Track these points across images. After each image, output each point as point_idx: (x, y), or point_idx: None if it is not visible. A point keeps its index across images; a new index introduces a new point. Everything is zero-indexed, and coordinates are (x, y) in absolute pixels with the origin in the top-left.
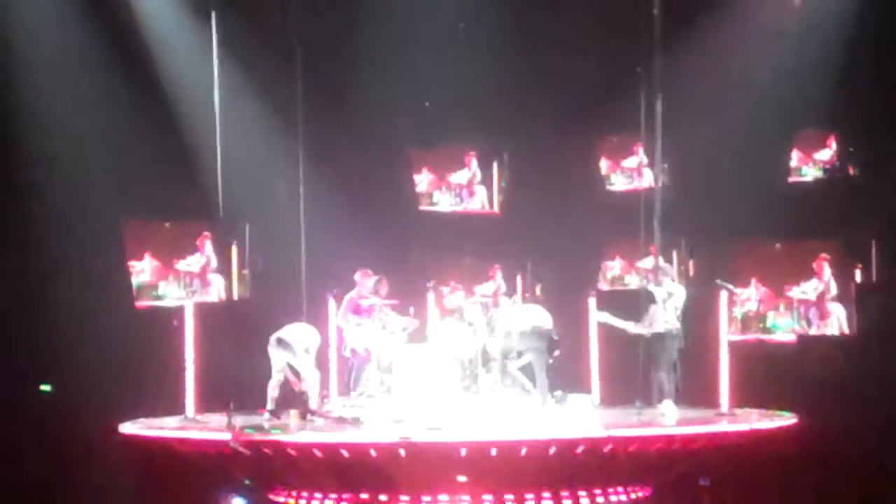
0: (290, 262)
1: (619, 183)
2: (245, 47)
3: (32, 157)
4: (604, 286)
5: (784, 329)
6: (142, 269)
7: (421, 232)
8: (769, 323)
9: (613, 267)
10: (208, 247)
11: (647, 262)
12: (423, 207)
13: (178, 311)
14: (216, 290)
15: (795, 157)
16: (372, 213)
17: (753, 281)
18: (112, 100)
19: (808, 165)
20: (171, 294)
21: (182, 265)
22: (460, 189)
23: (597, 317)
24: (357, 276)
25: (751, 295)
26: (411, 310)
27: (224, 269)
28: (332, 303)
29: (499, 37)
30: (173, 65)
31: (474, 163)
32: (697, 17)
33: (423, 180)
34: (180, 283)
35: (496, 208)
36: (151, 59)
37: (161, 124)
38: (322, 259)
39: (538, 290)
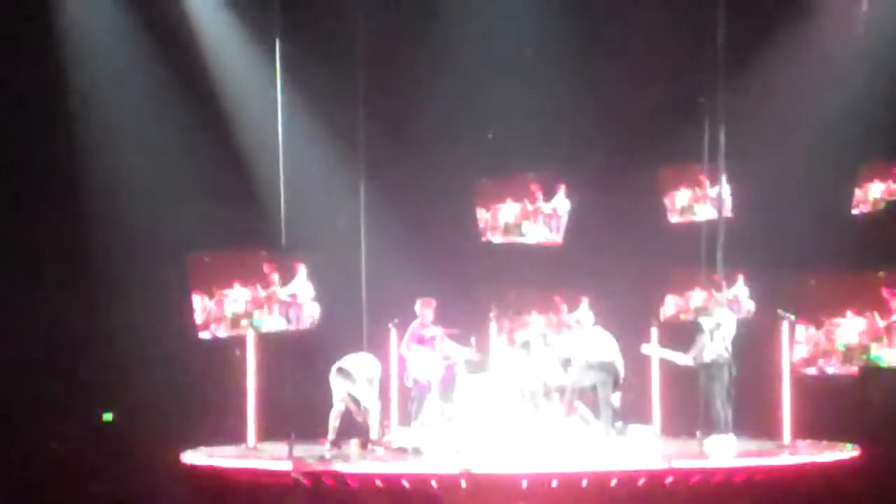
0: (351, 292)
1: (682, 213)
2: (308, 75)
3: (100, 189)
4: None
5: (888, 360)
6: (234, 299)
7: (484, 261)
8: (872, 354)
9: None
10: (302, 272)
11: (700, 293)
12: (487, 237)
13: (241, 340)
14: (310, 318)
15: (860, 188)
16: (434, 242)
17: (849, 313)
18: (177, 132)
19: (873, 196)
20: (269, 323)
21: (281, 293)
22: (525, 218)
23: (646, 349)
24: (418, 306)
25: (849, 326)
26: (473, 340)
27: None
28: (393, 332)
29: (563, 66)
30: (237, 94)
31: (539, 192)
32: (761, 47)
33: (488, 210)
34: (274, 310)
35: (559, 238)
36: (216, 89)
37: (225, 154)
38: (384, 289)
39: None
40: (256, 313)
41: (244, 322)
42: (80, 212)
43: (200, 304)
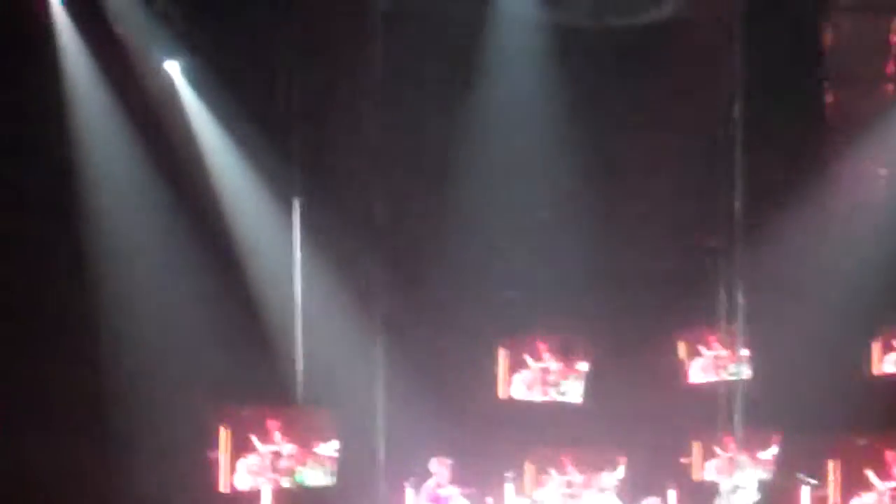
0: (367, 450)
1: (699, 375)
2: (327, 234)
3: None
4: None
5: None
6: (278, 453)
7: (501, 421)
8: None
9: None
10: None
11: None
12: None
13: (255, 498)
14: None
15: (881, 350)
16: (452, 400)
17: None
18: (194, 287)
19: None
20: (312, 478)
21: (323, 449)
22: (542, 378)
23: None
24: (433, 465)
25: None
26: (489, 500)
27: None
28: (409, 492)
29: (581, 229)
30: (255, 249)
31: (555, 353)
32: (778, 207)
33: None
34: (322, 467)
35: (578, 398)
36: (235, 248)
37: (241, 309)
38: (400, 448)
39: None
40: (299, 468)
41: (288, 478)
42: (91, 359)
43: (236, 460)
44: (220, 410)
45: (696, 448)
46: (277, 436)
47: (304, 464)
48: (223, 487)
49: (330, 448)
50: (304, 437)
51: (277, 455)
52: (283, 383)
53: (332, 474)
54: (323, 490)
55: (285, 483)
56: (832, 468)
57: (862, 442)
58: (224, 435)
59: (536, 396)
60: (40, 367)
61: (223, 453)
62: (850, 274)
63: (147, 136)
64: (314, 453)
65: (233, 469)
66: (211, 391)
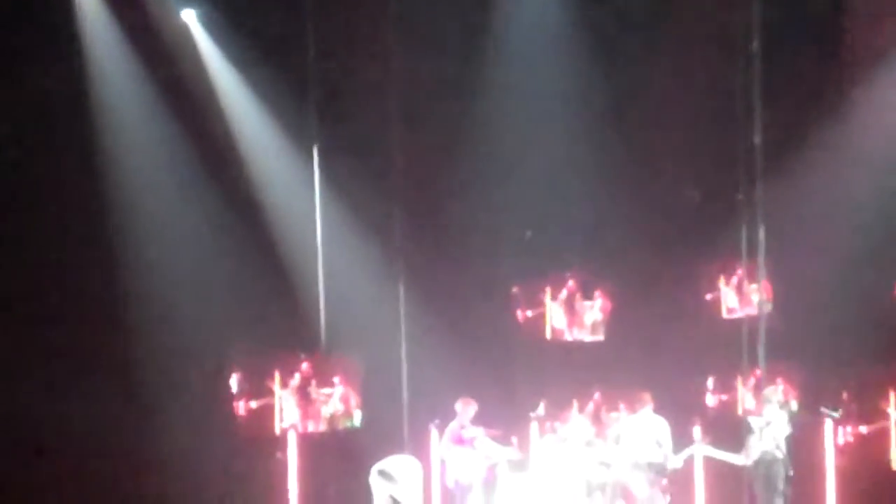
0: (392, 393)
1: (723, 310)
2: (347, 178)
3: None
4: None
5: None
6: (304, 397)
7: (526, 361)
8: None
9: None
10: None
11: (750, 390)
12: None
13: (282, 441)
14: None
15: None
16: (475, 342)
17: None
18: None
19: None
20: (338, 421)
21: (347, 393)
22: (566, 317)
23: (699, 450)
24: (458, 406)
25: None
26: (514, 440)
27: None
28: (434, 433)
29: (605, 165)
30: (276, 197)
31: (579, 292)
32: (801, 141)
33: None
34: (347, 410)
35: (601, 336)
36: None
37: (262, 255)
38: (425, 390)
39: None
40: (324, 412)
41: (313, 421)
42: (118, 317)
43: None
44: (246, 358)
45: (722, 383)
46: (302, 381)
47: (329, 408)
48: (250, 432)
49: (354, 392)
50: (328, 382)
51: (303, 400)
52: (308, 329)
53: (357, 417)
54: (348, 433)
55: (311, 427)
56: (856, 399)
57: (886, 373)
58: (249, 381)
59: (560, 335)
60: (71, 327)
61: (250, 400)
62: (872, 206)
63: (164, 85)
64: (339, 397)
65: (259, 414)
66: (236, 339)
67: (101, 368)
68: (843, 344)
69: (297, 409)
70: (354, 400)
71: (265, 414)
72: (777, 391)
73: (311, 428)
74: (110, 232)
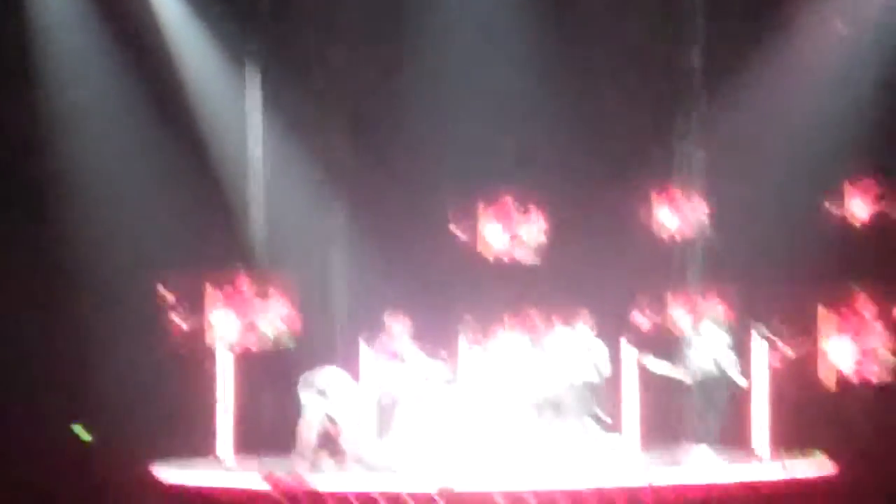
0: (326, 308)
1: (660, 230)
2: (287, 96)
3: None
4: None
5: None
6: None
7: (459, 277)
8: None
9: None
10: None
11: (686, 308)
12: (463, 253)
13: (216, 357)
14: None
15: (840, 202)
16: (408, 258)
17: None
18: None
19: (853, 209)
20: (273, 337)
21: (281, 309)
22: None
23: (647, 363)
24: (389, 320)
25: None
26: (444, 354)
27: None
28: (365, 347)
29: (541, 87)
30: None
31: (516, 210)
32: (738, 62)
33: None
34: (282, 327)
35: (536, 255)
36: (192, 106)
37: (198, 172)
38: (356, 304)
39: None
40: (260, 329)
41: (249, 337)
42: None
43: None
44: (182, 273)
45: (658, 301)
46: (237, 296)
47: (263, 324)
48: (184, 350)
49: (290, 307)
50: (263, 297)
51: (237, 315)
52: (244, 245)
53: (291, 333)
54: (282, 347)
55: (245, 342)
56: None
57: (822, 291)
58: (185, 297)
59: (494, 252)
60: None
61: (185, 315)
62: (809, 127)
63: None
64: (273, 312)
65: (193, 330)
66: (172, 255)
67: (38, 285)
68: (776, 263)
69: (231, 325)
70: (289, 315)
71: (200, 329)
72: (715, 309)
73: (245, 343)
74: (45, 148)
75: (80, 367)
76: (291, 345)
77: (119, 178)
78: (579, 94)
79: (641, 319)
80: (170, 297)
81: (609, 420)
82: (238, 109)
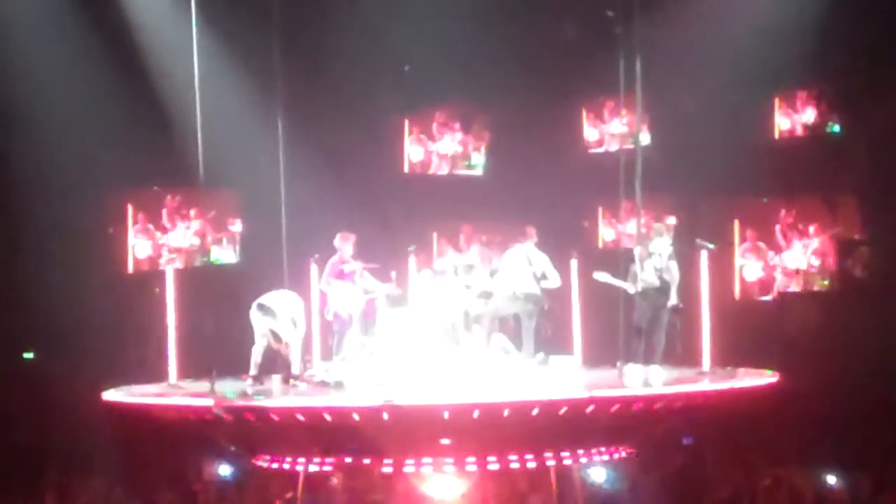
0: (271, 229)
1: (602, 144)
2: (223, 13)
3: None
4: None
5: None
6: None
7: (404, 195)
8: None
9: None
10: None
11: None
12: (407, 171)
13: (160, 277)
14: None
15: (777, 115)
16: (355, 178)
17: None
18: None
19: (790, 122)
20: (224, 257)
21: (227, 228)
22: (444, 152)
23: (597, 276)
24: (337, 241)
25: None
26: (393, 274)
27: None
28: (314, 268)
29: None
30: (152, 32)
31: (457, 126)
32: None
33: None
34: (227, 245)
35: (480, 171)
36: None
37: (141, 93)
38: (305, 225)
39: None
40: (204, 247)
41: (193, 256)
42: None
43: (143, 239)
44: (125, 193)
45: (599, 215)
46: (181, 216)
47: (208, 242)
48: (129, 267)
49: (234, 227)
50: (208, 217)
51: (181, 234)
52: (186, 165)
53: (236, 252)
54: (228, 268)
55: (191, 262)
56: (734, 230)
57: (762, 203)
58: (129, 216)
59: (439, 170)
60: None
61: (129, 235)
62: (746, 40)
63: None
64: (219, 232)
65: (137, 249)
66: (115, 175)
67: None
68: (721, 174)
69: (174, 244)
70: (233, 234)
71: (143, 248)
72: (661, 223)
73: (189, 262)
74: None
75: (29, 287)
76: (237, 263)
77: (64, 98)
78: (518, 14)
79: (587, 233)
80: (115, 217)
81: (550, 333)
82: (180, 26)
